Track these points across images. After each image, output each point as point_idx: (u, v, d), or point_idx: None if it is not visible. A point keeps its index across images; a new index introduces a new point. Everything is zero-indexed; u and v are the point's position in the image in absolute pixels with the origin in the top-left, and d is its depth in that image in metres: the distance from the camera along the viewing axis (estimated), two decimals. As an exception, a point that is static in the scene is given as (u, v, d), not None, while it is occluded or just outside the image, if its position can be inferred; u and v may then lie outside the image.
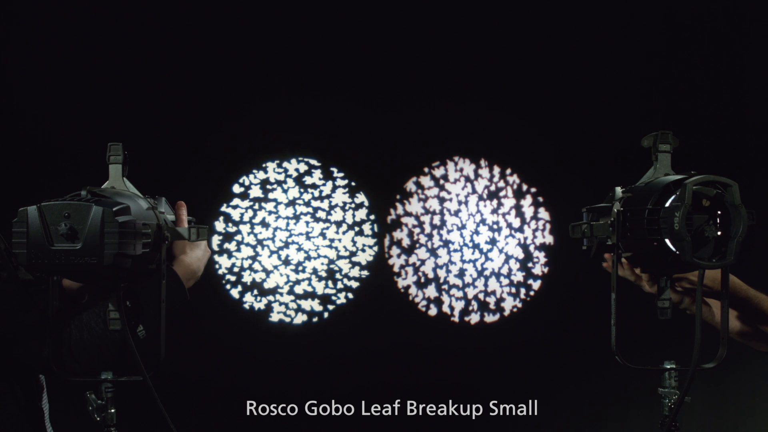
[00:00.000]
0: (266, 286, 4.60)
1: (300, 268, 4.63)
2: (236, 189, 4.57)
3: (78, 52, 4.42)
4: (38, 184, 4.24)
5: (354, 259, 4.64)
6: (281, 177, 4.63)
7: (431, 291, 4.66)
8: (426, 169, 4.67)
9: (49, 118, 4.41)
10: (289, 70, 4.58)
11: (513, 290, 4.67)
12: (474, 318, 4.64)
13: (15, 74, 4.39)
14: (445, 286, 4.67)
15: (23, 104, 4.40)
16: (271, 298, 4.61)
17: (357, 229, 4.66)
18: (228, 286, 4.58)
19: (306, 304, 4.62)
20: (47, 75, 4.41)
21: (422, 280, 4.67)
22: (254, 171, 4.60)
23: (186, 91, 4.49)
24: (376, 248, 4.65)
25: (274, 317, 4.60)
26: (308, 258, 4.63)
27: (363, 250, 4.65)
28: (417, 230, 4.67)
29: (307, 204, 4.63)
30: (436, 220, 4.68)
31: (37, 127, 4.41)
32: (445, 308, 4.66)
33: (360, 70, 4.61)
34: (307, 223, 4.62)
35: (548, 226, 4.67)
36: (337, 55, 4.60)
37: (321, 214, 4.64)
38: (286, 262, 4.62)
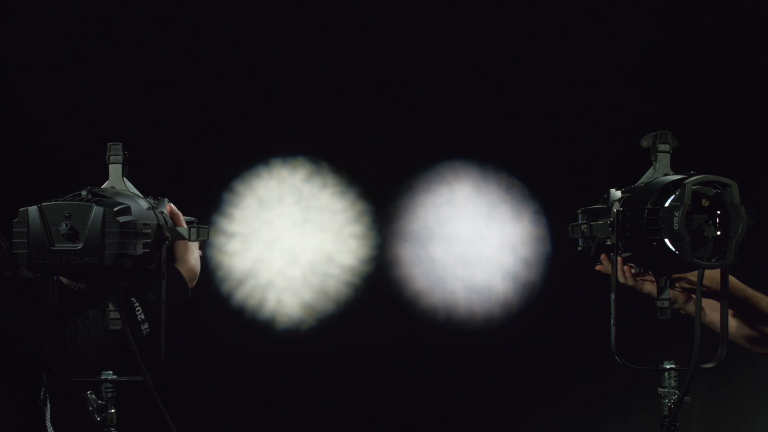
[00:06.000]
0: (264, 284, 4.60)
1: (298, 266, 4.63)
2: (236, 188, 4.58)
3: (78, 51, 4.42)
4: (39, 184, 4.24)
5: (351, 256, 4.64)
6: (279, 177, 4.63)
7: (430, 288, 4.66)
8: (423, 170, 4.67)
9: (49, 118, 4.41)
10: (289, 71, 4.58)
11: (511, 290, 4.68)
12: (473, 308, 4.64)
13: (15, 74, 4.39)
14: (444, 282, 4.67)
15: (23, 104, 4.40)
16: (269, 296, 4.61)
17: (353, 227, 4.66)
18: (227, 286, 4.58)
19: (305, 303, 4.62)
20: (47, 74, 4.41)
21: (421, 276, 4.67)
22: (253, 170, 4.60)
23: (186, 92, 4.49)
24: (372, 245, 4.65)
25: (274, 316, 4.61)
26: (305, 255, 4.63)
27: (360, 248, 4.65)
28: (415, 228, 4.67)
29: (304, 202, 4.63)
30: (434, 218, 4.68)
31: (37, 127, 4.41)
32: (445, 304, 4.66)
33: (359, 73, 4.61)
34: (304, 221, 4.62)
35: (547, 227, 4.67)
36: (335, 58, 4.60)
37: (318, 213, 4.64)
38: (285, 260, 4.62)
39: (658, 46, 4.58)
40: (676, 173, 2.14)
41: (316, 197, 4.64)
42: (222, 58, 4.52)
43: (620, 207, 2.15)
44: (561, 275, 4.59)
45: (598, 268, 2.34)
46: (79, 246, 1.90)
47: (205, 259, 2.41)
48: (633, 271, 2.30)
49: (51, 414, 2.35)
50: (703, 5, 4.57)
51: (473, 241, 4.67)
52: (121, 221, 1.92)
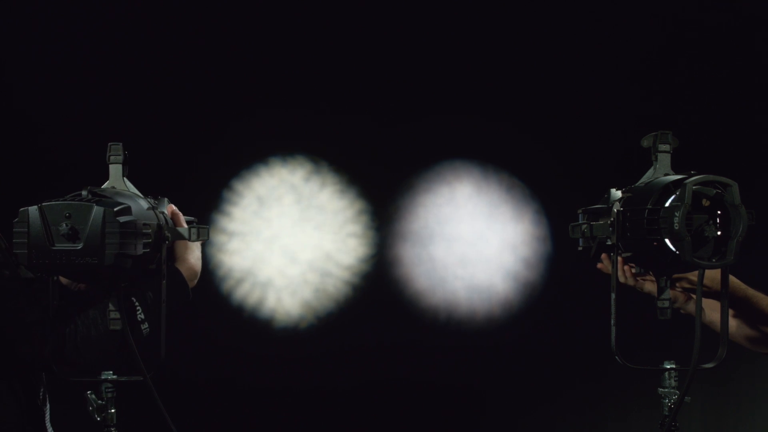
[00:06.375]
0: (264, 283, 4.60)
1: (297, 265, 4.63)
2: (235, 188, 4.58)
3: (78, 51, 4.42)
4: (39, 184, 4.23)
5: (350, 255, 4.64)
6: (280, 177, 4.63)
7: (431, 288, 4.66)
8: (423, 169, 4.67)
9: (49, 117, 4.41)
10: (289, 71, 4.58)
11: (511, 290, 4.67)
12: (473, 308, 4.64)
13: (15, 73, 4.39)
14: (445, 282, 4.67)
15: (23, 104, 4.40)
16: (268, 295, 4.61)
17: (353, 227, 4.66)
18: (226, 285, 4.58)
19: (305, 302, 4.62)
20: (47, 74, 4.40)
21: (422, 276, 4.66)
22: (253, 169, 4.60)
23: (185, 92, 4.49)
24: (371, 245, 4.64)
25: (273, 315, 4.60)
26: (305, 254, 4.63)
27: (359, 247, 4.65)
28: (416, 227, 4.67)
29: (303, 201, 4.63)
30: (434, 218, 4.68)
31: (37, 127, 4.41)
32: (445, 304, 4.66)
33: (360, 72, 4.61)
34: (304, 220, 4.62)
35: (548, 227, 4.67)
36: (335, 58, 4.60)
37: (318, 212, 4.64)
38: (285, 259, 4.62)
39: (658, 46, 4.58)
40: (677, 173, 2.14)
41: (315, 196, 4.64)
42: (221, 57, 4.52)
43: (620, 207, 2.15)
44: (561, 275, 4.59)
45: (599, 266, 2.34)
46: (80, 246, 1.90)
47: (204, 258, 2.41)
48: (633, 271, 2.30)
49: (51, 414, 2.35)
50: (703, 5, 4.57)
51: (474, 240, 4.67)
52: (121, 221, 1.92)
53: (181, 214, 2.34)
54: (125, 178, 2.22)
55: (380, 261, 4.64)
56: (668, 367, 2.16)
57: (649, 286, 2.28)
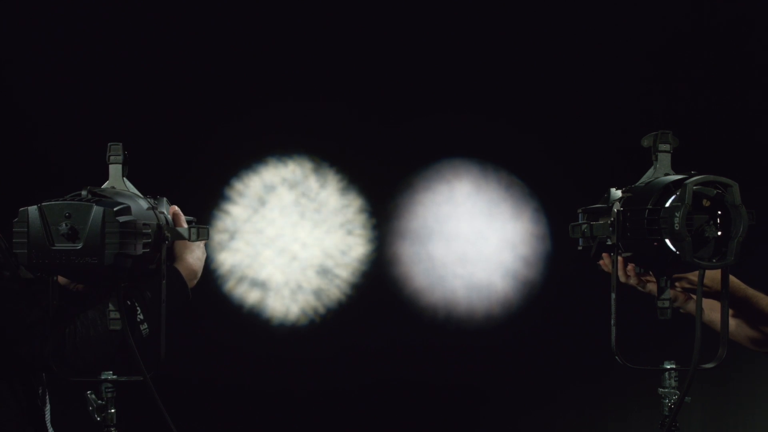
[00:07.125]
0: (265, 283, 4.60)
1: (297, 263, 4.63)
2: (234, 186, 4.58)
3: (78, 51, 4.42)
4: (39, 184, 4.23)
5: (350, 254, 4.64)
6: (279, 175, 4.63)
7: (430, 286, 4.66)
8: (423, 167, 4.67)
9: (49, 117, 4.41)
10: (289, 69, 4.58)
11: (511, 289, 4.67)
12: (472, 306, 4.64)
13: (15, 73, 4.38)
14: (444, 280, 4.67)
15: (23, 104, 4.39)
16: (267, 294, 4.61)
17: (352, 226, 4.66)
18: (226, 284, 4.58)
19: (305, 301, 4.62)
20: (47, 74, 4.40)
21: (421, 275, 4.66)
22: (252, 168, 4.60)
23: (185, 91, 4.49)
24: (371, 243, 4.64)
25: (272, 314, 4.60)
26: (304, 253, 4.63)
27: (359, 245, 4.65)
28: (415, 226, 4.67)
29: (303, 199, 4.63)
30: (433, 216, 4.68)
31: (37, 127, 4.40)
32: (444, 302, 4.66)
33: (360, 71, 4.61)
34: (303, 218, 4.62)
35: (547, 225, 4.66)
36: (336, 56, 4.60)
37: (317, 211, 4.64)
38: (284, 258, 4.62)
39: (659, 46, 4.58)
40: (677, 173, 2.14)
41: (315, 195, 4.64)
42: (221, 57, 4.52)
43: (621, 207, 2.14)
44: (561, 274, 4.59)
45: (600, 263, 2.34)
46: (79, 246, 1.90)
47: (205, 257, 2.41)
48: (636, 270, 2.29)
49: (51, 414, 2.35)
50: (703, 5, 4.57)
51: (473, 239, 4.67)
52: (121, 221, 1.92)
53: (182, 214, 2.34)
54: (125, 178, 2.22)
55: (379, 259, 4.64)
56: (668, 367, 2.15)
57: (651, 286, 2.28)
